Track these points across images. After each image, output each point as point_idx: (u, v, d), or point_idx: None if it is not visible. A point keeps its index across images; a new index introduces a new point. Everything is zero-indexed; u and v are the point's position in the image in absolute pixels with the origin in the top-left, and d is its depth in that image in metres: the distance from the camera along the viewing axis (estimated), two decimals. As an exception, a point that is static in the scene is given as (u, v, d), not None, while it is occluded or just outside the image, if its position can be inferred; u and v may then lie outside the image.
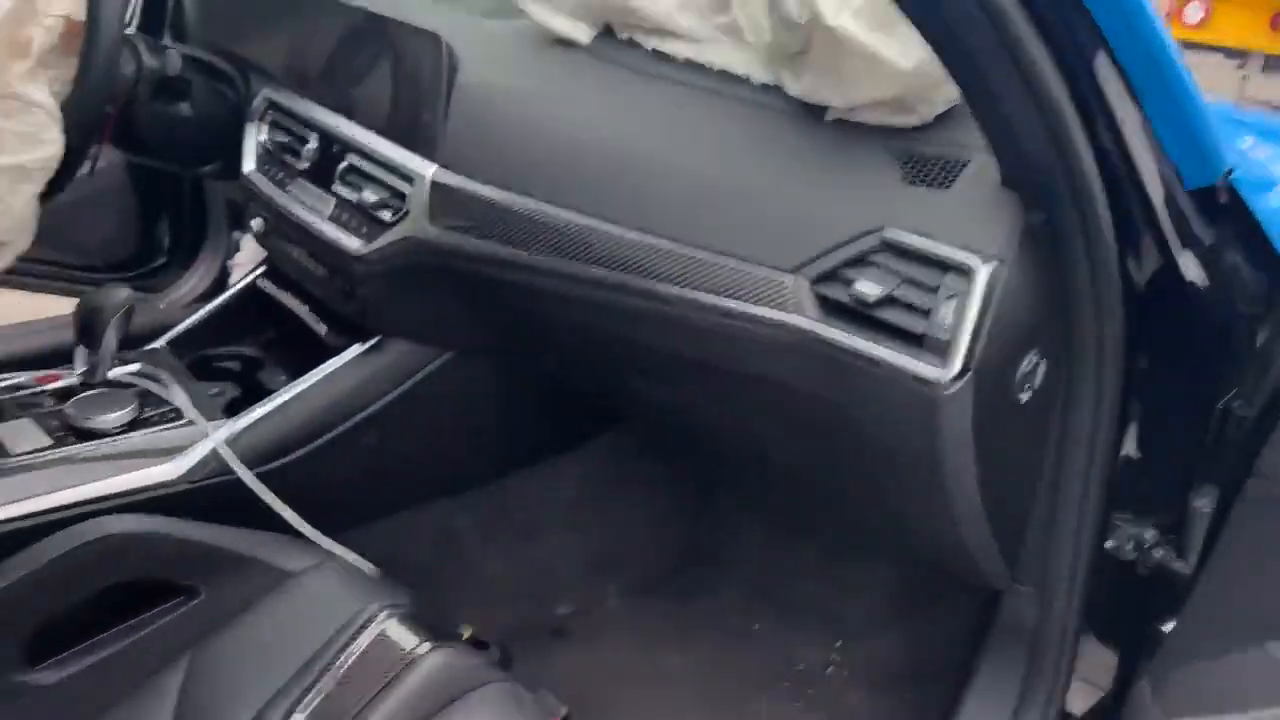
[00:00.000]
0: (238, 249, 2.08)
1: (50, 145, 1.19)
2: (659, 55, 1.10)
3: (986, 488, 0.91)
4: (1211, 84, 5.83)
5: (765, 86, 1.02)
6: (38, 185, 1.20)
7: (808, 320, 0.89)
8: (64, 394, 1.16)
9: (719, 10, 1.09)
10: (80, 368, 1.17)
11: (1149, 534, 1.01)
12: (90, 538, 1.00)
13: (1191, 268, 0.90)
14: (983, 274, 0.82)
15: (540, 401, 1.37)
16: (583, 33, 1.16)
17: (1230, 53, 5.59)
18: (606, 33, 1.16)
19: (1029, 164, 0.83)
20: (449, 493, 1.36)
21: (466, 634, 1.19)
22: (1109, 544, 1.02)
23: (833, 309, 0.89)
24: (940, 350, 0.82)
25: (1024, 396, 0.90)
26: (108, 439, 1.10)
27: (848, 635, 1.47)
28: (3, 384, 1.16)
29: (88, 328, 1.15)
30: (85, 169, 1.33)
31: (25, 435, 1.08)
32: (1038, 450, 0.99)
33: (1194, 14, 5.58)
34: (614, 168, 1.04)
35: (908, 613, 1.43)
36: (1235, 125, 1.45)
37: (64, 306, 2.11)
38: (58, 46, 1.24)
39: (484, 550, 1.41)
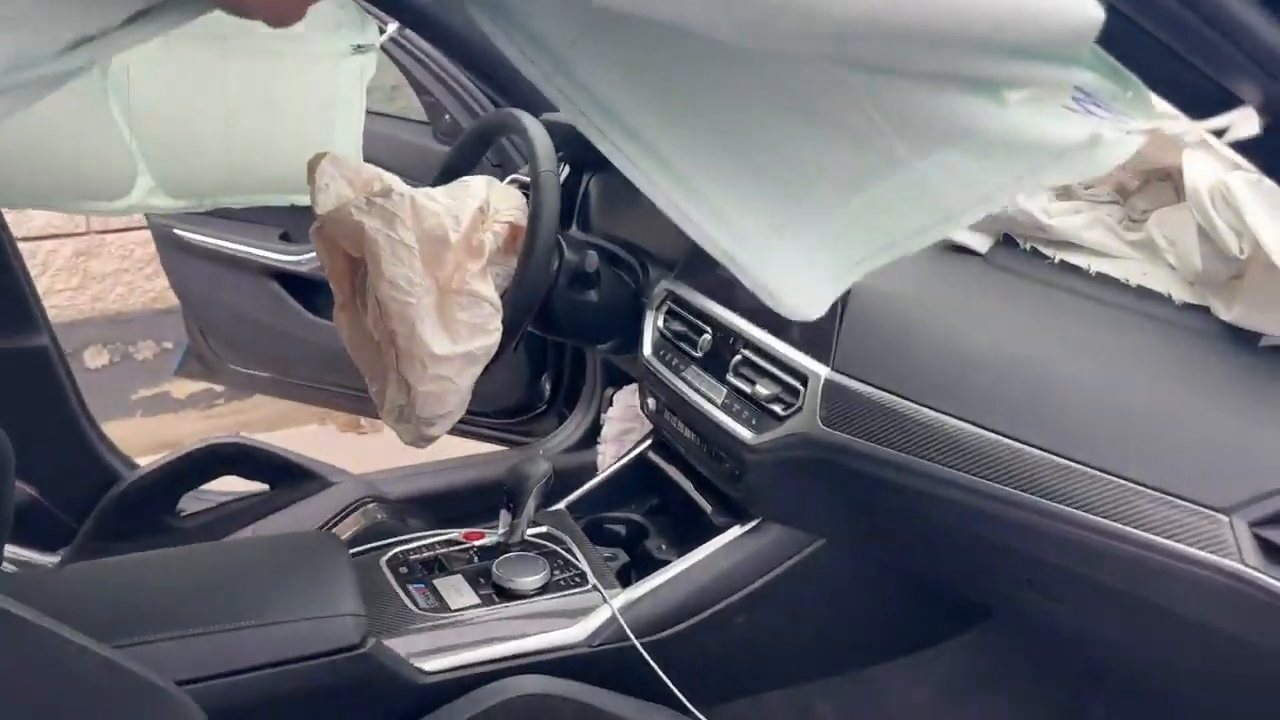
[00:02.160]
0: (610, 404, 2.27)
1: (493, 334, 1.38)
2: (1066, 267, 1.11)
3: None
4: None
5: (1188, 306, 1.00)
6: (480, 368, 1.40)
7: (1248, 568, 0.84)
8: (487, 551, 1.31)
9: (1132, 227, 1.09)
10: (502, 529, 1.32)
11: None
12: (510, 695, 1.12)
13: None
14: None
15: (907, 594, 1.36)
16: (980, 242, 1.19)
17: None
18: (1007, 242, 1.18)
19: None
20: (810, 677, 1.38)
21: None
22: None
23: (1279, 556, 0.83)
24: None
25: None
26: (525, 600, 1.23)
27: None
28: (439, 539, 1.34)
29: (513, 494, 1.30)
30: (511, 348, 1.52)
31: (460, 592, 1.24)
32: None
33: None
34: (1016, 381, 1.04)
35: None
36: None
37: (452, 446, 2.39)
38: (501, 247, 1.46)
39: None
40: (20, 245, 1.62)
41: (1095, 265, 1.08)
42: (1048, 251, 1.13)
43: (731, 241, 0.75)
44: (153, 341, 2.89)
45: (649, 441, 1.54)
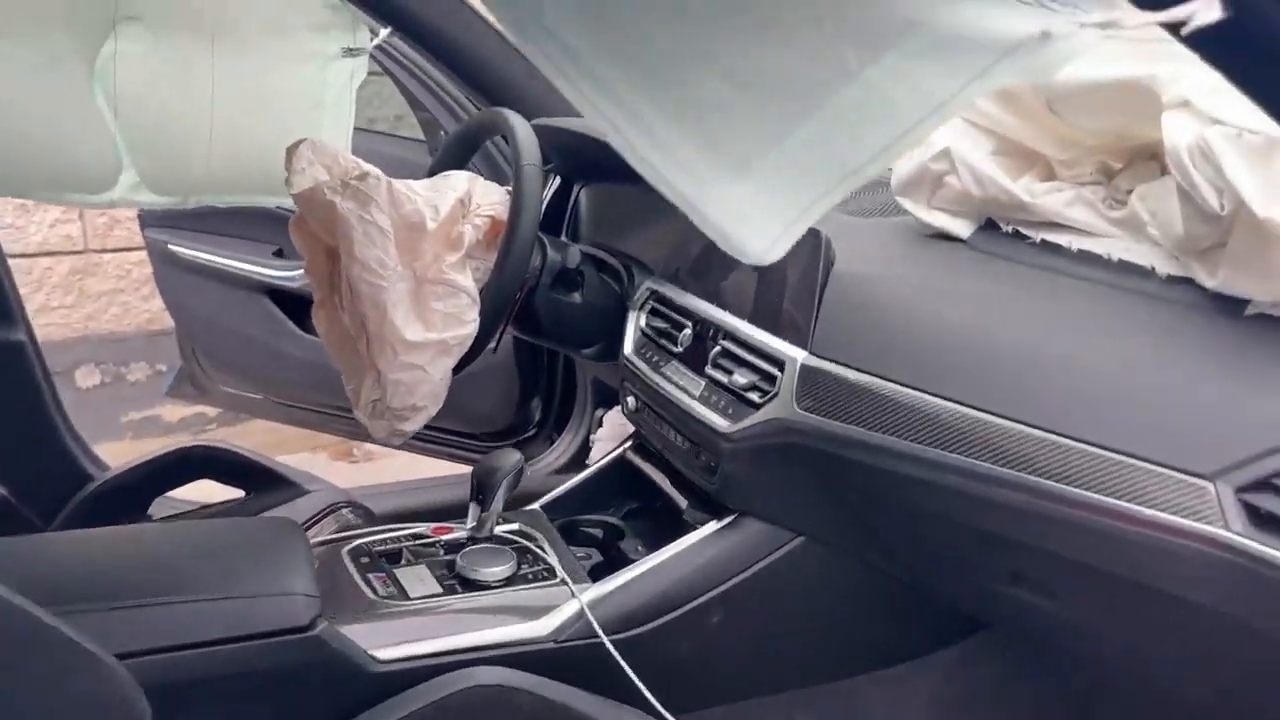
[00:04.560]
0: (600, 424, 2.23)
1: (469, 325, 1.36)
2: (1047, 246, 1.08)
3: None
4: None
5: (1172, 279, 0.96)
6: (454, 359, 1.37)
7: (1235, 535, 0.79)
8: (454, 545, 1.27)
9: (1115, 206, 1.06)
10: (470, 522, 1.28)
11: None
12: (466, 685, 1.06)
13: None
14: None
15: (893, 600, 1.31)
16: (963, 227, 1.16)
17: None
18: (989, 226, 1.15)
19: None
20: (790, 686, 1.31)
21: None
22: None
23: (1267, 522, 0.78)
24: None
25: None
26: (489, 591, 1.18)
27: None
28: (405, 533, 1.29)
29: (482, 486, 1.26)
30: (490, 346, 1.50)
31: (421, 580, 1.19)
32: None
33: None
34: (999, 358, 1.00)
35: None
36: None
37: (441, 467, 2.35)
38: (481, 241, 1.44)
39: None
40: (15, 261, 1.61)
41: (1077, 243, 1.05)
42: (1029, 232, 1.10)
43: (690, 184, 0.73)
44: (146, 363, 2.88)
45: (629, 444, 1.50)
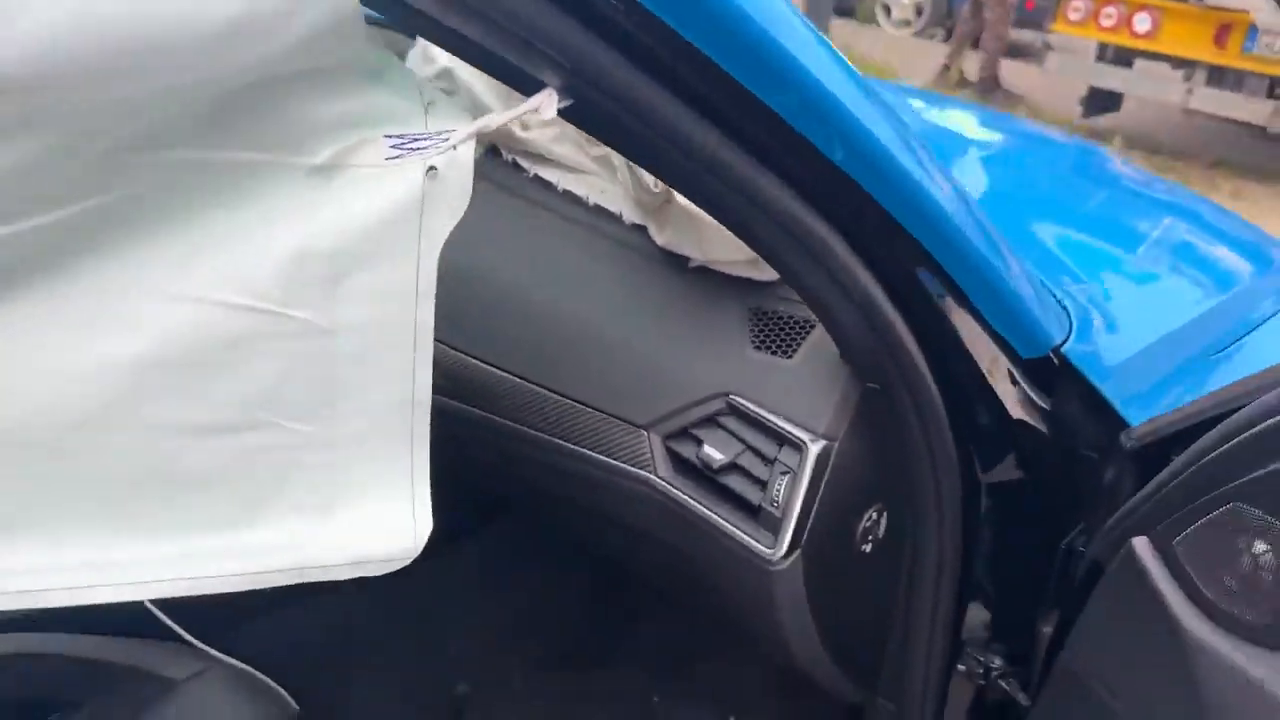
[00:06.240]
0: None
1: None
2: (540, 182, 1.12)
3: (828, 634, 0.95)
4: (1156, 93, 5.90)
5: (635, 226, 1.05)
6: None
7: (660, 479, 0.92)
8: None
9: (594, 142, 1.11)
10: None
11: (996, 662, 1.05)
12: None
13: (1031, 421, 0.93)
14: (813, 452, 0.85)
15: (437, 487, 1.39)
16: (468, 152, 1.17)
17: (1176, 63, 5.75)
18: (493, 152, 1.17)
19: (855, 347, 0.85)
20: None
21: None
22: (960, 667, 1.06)
23: (684, 468, 0.92)
24: (772, 526, 0.86)
25: (867, 548, 0.94)
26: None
27: (739, 710, 1.52)
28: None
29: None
30: None
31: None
32: (889, 585, 1.02)
33: (1141, 24, 5.75)
34: (493, 302, 1.05)
35: (792, 694, 1.48)
36: (1154, 205, 1.51)
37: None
38: None
39: (381, 637, 1.43)
40: None
41: (563, 182, 1.10)
42: (525, 164, 1.13)
43: (279, 557, 0.66)
44: None
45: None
